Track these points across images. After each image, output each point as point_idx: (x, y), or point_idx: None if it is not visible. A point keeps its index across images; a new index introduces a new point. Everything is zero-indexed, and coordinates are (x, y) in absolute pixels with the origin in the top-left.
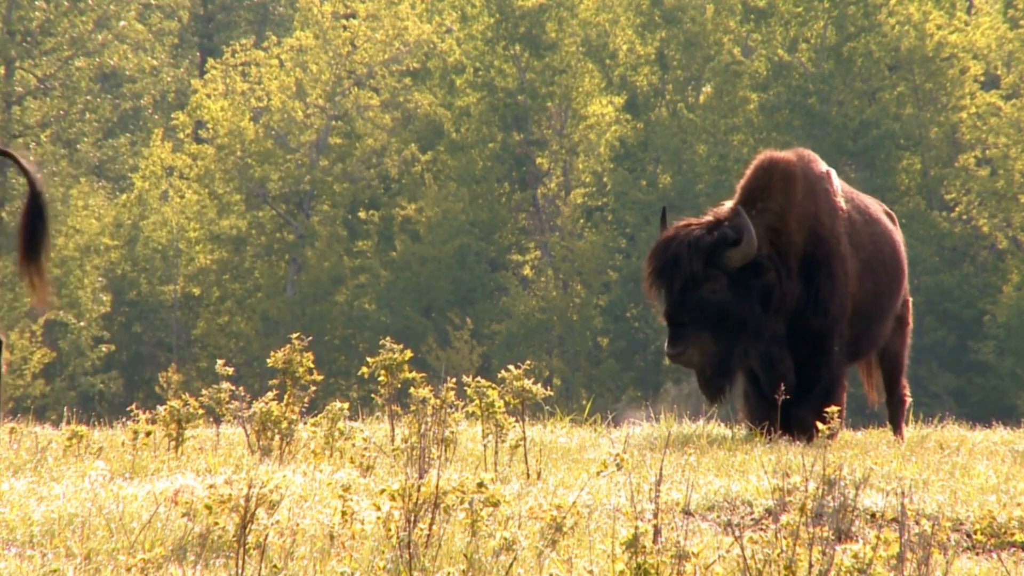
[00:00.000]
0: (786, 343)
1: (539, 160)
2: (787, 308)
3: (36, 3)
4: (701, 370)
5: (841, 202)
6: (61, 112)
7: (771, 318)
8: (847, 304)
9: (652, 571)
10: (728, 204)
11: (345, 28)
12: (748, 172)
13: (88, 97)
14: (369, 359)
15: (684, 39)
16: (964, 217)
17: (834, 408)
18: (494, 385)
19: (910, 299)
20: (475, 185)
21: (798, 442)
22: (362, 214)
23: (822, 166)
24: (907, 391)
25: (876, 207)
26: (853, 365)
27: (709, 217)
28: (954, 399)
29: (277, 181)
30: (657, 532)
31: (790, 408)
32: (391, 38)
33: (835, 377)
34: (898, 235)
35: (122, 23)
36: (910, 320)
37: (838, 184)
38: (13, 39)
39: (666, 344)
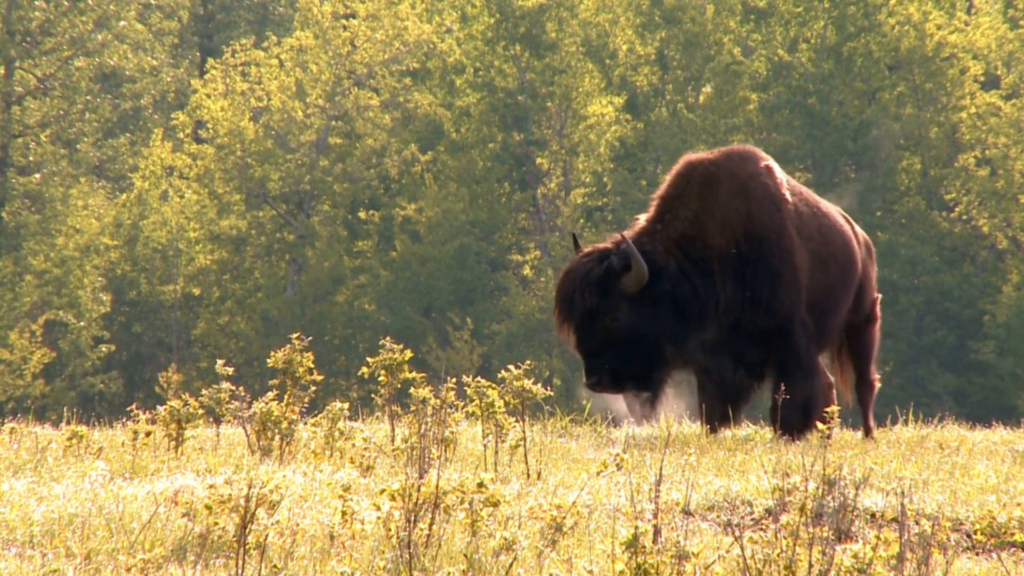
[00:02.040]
0: (731, 346)
1: (539, 160)
2: (720, 311)
3: (36, 3)
4: (622, 393)
5: (786, 194)
6: (61, 112)
7: (696, 326)
8: (801, 296)
9: (652, 571)
10: (642, 218)
11: (345, 28)
12: (665, 180)
13: (88, 97)
14: (369, 359)
15: (684, 39)
16: (964, 217)
17: (833, 408)
18: (494, 385)
19: (879, 296)
20: (475, 185)
21: (791, 443)
22: (362, 214)
23: (760, 161)
24: (876, 377)
25: (828, 204)
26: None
27: (606, 244)
28: (954, 399)
29: (277, 181)
30: (657, 532)
31: (774, 410)
32: (391, 38)
33: (809, 370)
34: (850, 231)
35: (122, 23)
36: (878, 316)
37: (782, 177)
38: (13, 39)
39: (583, 376)
